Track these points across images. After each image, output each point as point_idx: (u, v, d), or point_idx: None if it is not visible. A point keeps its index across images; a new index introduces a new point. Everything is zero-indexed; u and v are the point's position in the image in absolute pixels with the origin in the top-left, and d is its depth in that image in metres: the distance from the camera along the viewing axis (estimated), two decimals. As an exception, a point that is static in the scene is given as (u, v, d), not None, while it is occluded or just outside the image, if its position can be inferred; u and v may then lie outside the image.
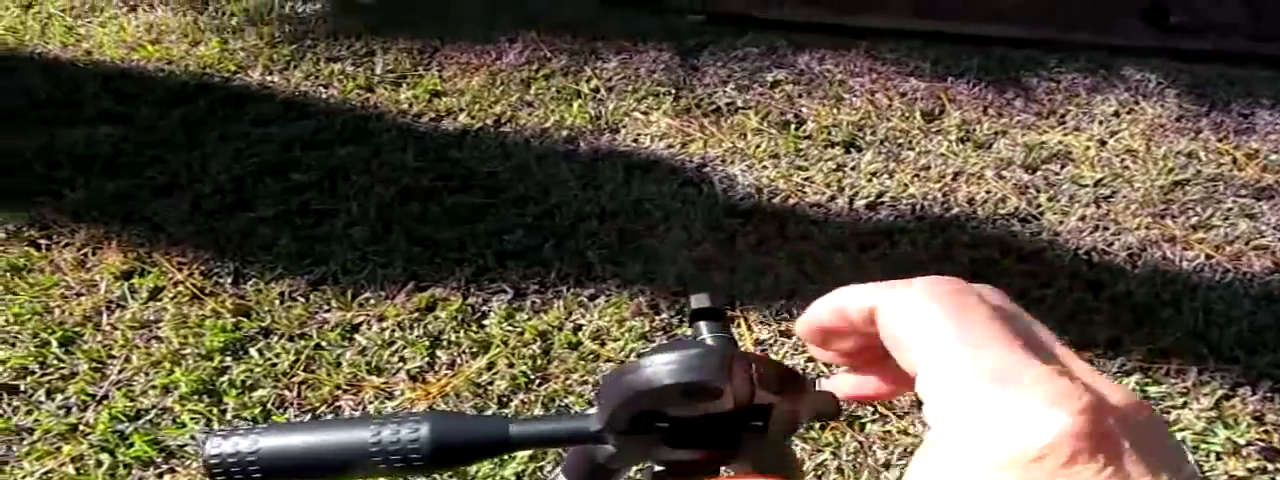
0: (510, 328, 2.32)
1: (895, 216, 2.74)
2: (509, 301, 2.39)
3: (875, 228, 2.69)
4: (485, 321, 2.34)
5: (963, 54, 3.56)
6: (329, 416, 2.11)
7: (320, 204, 2.68)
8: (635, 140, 3.02)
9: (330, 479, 0.59)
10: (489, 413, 2.08)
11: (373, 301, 2.38)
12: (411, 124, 3.05)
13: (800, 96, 3.28)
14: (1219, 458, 2.09)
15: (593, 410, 0.62)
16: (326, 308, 2.36)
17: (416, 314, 2.34)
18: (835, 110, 3.21)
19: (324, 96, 3.15)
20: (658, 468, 0.63)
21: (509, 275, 2.47)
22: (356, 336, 2.30)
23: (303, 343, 2.29)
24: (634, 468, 0.70)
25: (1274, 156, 3.10)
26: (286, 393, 2.18)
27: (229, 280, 2.43)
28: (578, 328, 2.34)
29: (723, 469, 0.60)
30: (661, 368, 0.53)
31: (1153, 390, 2.24)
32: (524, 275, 2.47)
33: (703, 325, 0.78)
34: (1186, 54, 3.66)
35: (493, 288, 2.43)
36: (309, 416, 2.13)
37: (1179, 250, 2.68)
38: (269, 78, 3.22)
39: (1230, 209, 2.86)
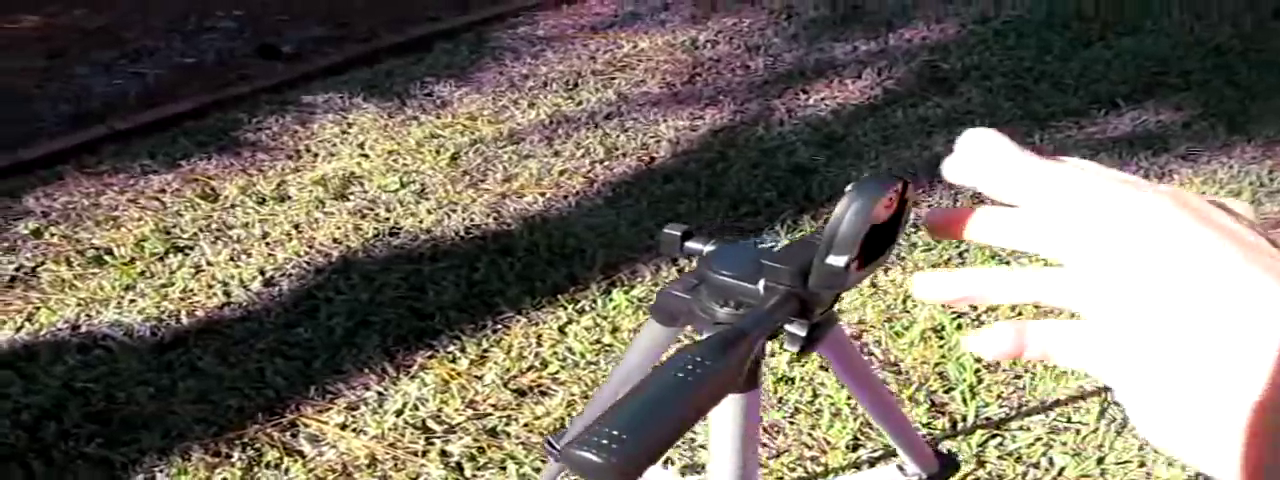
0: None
1: (298, 281, 2.79)
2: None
3: (296, 296, 2.72)
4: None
5: (161, 140, 3.60)
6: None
7: None
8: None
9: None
10: None
11: None
12: None
13: (75, 232, 3.06)
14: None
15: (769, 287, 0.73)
16: None
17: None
18: (124, 229, 3.06)
19: None
20: (796, 329, 0.76)
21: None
22: None
23: None
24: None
25: (486, 112, 3.75)
26: None
27: None
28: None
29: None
30: (869, 186, 0.56)
31: (634, 293, 2.34)
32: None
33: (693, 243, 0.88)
34: (327, 70, 4.13)
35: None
36: None
37: (518, 199, 3.16)
38: None
39: (509, 158, 3.42)
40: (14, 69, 4.12)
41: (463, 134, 3.56)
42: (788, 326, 0.83)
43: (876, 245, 0.63)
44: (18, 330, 2.60)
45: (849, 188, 0.59)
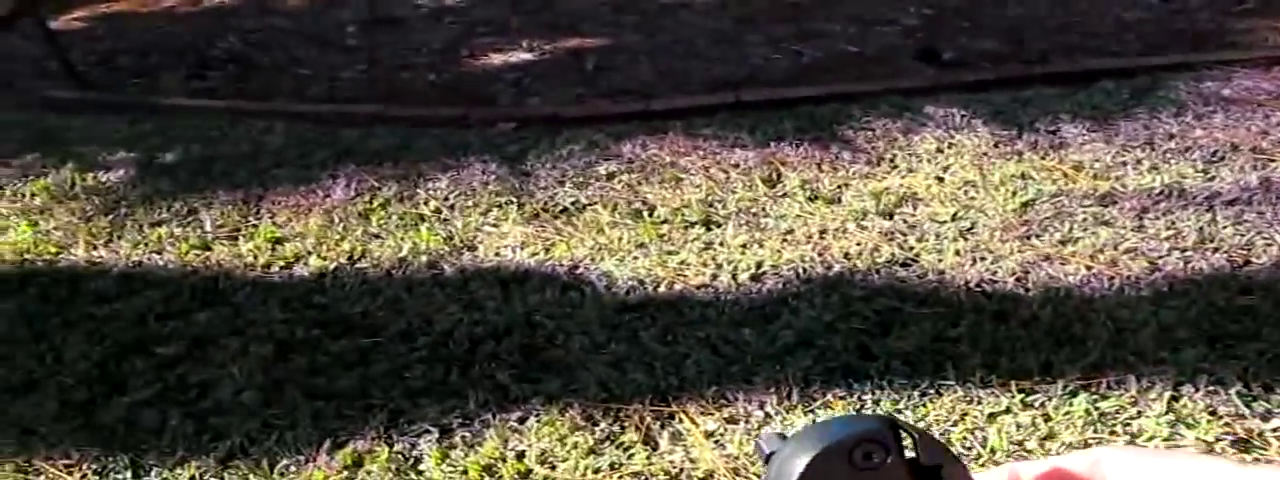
0: (451, 469, 2.19)
1: (783, 284, 2.78)
2: (438, 441, 2.27)
3: (768, 298, 2.72)
4: (422, 466, 2.21)
5: (772, 118, 3.71)
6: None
7: (198, 375, 2.50)
8: (497, 253, 2.98)
9: None
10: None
11: (294, 468, 2.21)
12: (263, 276, 2.91)
13: (640, 184, 3.33)
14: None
15: None
16: (248, 485, 2.17)
17: (346, 473, 2.20)
18: (678, 191, 3.27)
19: (160, 263, 2.98)
20: None
21: (426, 413, 2.35)
22: (292, 509, 2.13)
23: (234, 527, 2.19)
24: None
25: (1098, 165, 3.34)
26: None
27: (128, 475, 2.22)
28: (521, 455, 2.23)
29: None
30: (828, 430, 0.48)
31: (1104, 405, 2.28)
32: (442, 411, 2.36)
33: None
34: (970, 85, 3.93)
35: (415, 430, 2.31)
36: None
37: (1058, 266, 2.81)
38: (95, 253, 3.04)
39: (1084, 220, 3.03)
40: (698, 26, 4.51)
41: (1054, 182, 3.27)
42: None
43: None
44: (533, 255, 2.94)
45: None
